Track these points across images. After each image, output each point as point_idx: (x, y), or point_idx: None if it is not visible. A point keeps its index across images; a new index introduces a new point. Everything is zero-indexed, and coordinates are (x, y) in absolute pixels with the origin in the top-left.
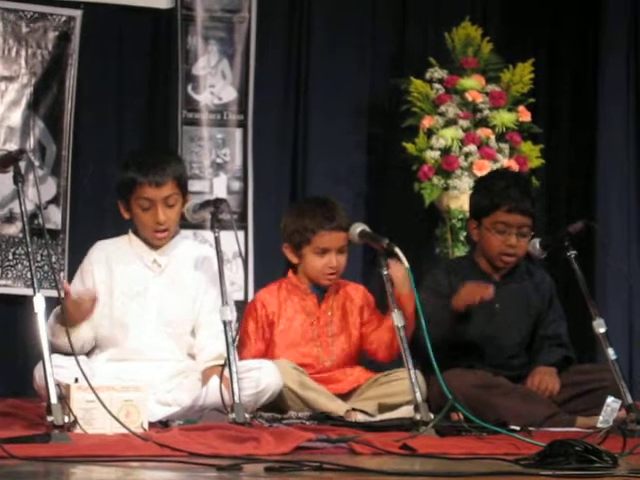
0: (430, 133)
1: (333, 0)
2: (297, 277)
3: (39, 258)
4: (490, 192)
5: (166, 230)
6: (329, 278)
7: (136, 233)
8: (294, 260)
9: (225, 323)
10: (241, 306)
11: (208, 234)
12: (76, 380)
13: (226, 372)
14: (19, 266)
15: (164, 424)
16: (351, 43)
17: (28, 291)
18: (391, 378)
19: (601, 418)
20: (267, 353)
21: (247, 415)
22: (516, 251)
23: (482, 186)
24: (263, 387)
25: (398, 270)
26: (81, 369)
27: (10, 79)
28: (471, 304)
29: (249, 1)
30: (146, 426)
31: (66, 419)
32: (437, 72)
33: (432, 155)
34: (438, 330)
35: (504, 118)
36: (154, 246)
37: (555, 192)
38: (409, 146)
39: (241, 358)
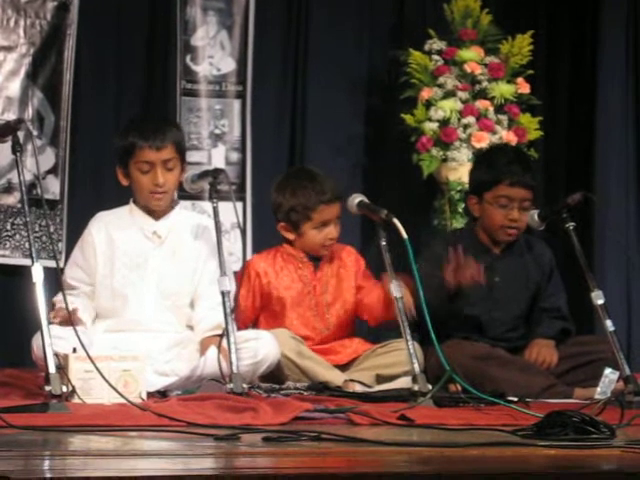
0: (429, 105)
1: None
2: (293, 247)
3: (37, 228)
4: (492, 167)
5: (164, 193)
6: (327, 248)
7: (136, 203)
8: (290, 237)
9: (223, 293)
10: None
11: (206, 205)
12: (74, 350)
13: (224, 342)
14: (17, 236)
15: (162, 394)
16: (350, 14)
17: (26, 261)
18: (389, 349)
19: (599, 389)
20: (264, 323)
21: (245, 385)
22: (518, 225)
23: (483, 161)
24: (261, 357)
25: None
26: (79, 339)
27: (9, 49)
28: (462, 282)
29: None
30: (144, 396)
31: (64, 389)
32: (436, 44)
33: (431, 126)
34: (435, 301)
35: (503, 90)
36: (154, 216)
37: (553, 164)
38: (407, 117)
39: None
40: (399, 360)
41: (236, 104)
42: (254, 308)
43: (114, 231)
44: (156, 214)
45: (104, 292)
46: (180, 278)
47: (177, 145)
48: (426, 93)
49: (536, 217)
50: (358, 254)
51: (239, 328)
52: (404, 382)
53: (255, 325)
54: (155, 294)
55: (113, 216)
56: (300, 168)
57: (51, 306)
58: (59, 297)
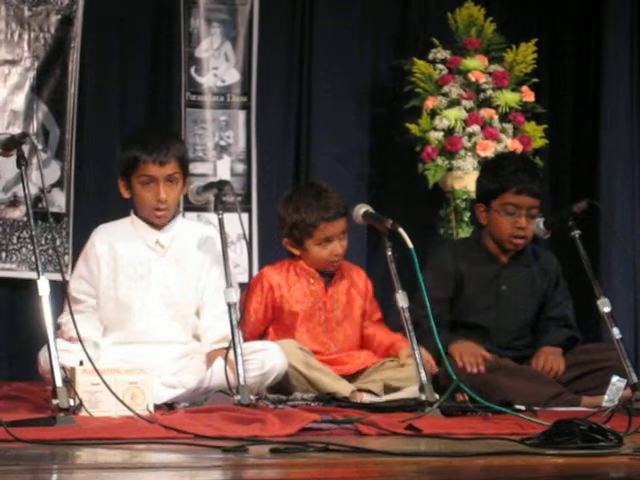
0: (433, 114)
1: None
2: (304, 261)
3: (43, 242)
4: (499, 175)
5: (166, 209)
6: (334, 264)
7: (137, 214)
8: (296, 252)
9: (229, 305)
10: (245, 289)
11: (212, 216)
12: (81, 363)
13: (231, 354)
14: (23, 250)
15: (169, 406)
16: (354, 24)
17: (32, 275)
18: (397, 363)
19: (606, 397)
20: (273, 335)
21: (252, 397)
22: (526, 233)
23: (490, 170)
24: (268, 369)
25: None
26: (86, 352)
27: (13, 63)
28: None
29: None
30: (151, 408)
31: (71, 402)
32: (440, 53)
33: (435, 136)
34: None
35: (507, 98)
36: (156, 226)
37: (559, 172)
38: (412, 127)
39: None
40: (407, 374)
41: (241, 115)
42: (265, 320)
43: (117, 242)
44: (158, 225)
45: (108, 303)
46: (184, 287)
47: (180, 160)
48: (431, 102)
49: (542, 225)
50: (367, 277)
51: (247, 339)
52: (411, 392)
53: (264, 337)
54: (160, 303)
55: (115, 227)
56: (309, 182)
57: (57, 326)
58: (64, 318)
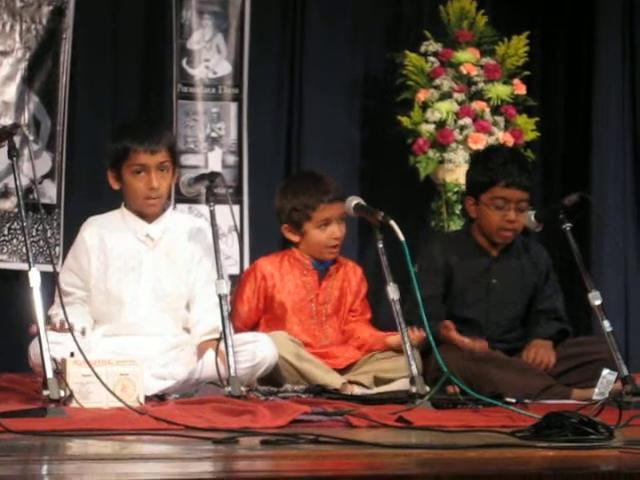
0: (425, 106)
1: None
2: (300, 252)
3: (34, 233)
4: (487, 168)
5: (158, 198)
6: (333, 251)
7: (128, 206)
8: (295, 239)
9: (220, 297)
10: (236, 280)
11: (203, 208)
12: (72, 354)
13: (222, 345)
14: (14, 241)
15: (160, 398)
16: (346, 17)
17: (23, 266)
18: (387, 355)
19: (597, 390)
20: (264, 326)
21: (243, 388)
22: (515, 226)
23: (479, 163)
24: (259, 360)
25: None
26: (77, 343)
27: (4, 54)
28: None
29: None
30: (142, 400)
31: (62, 393)
32: (432, 45)
33: (427, 128)
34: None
35: (499, 91)
36: (147, 218)
37: (550, 165)
38: (404, 120)
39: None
40: (398, 366)
41: (232, 107)
42: (257, 310)
43: (107, 235)
44: (149, 217)
45: (99, 296)
46: (175, 280)
47: (171, 148)
48: (422, 95)
49: (533, 218)
50: (364, 277)
51: (238, 330)
52: (402, 384)
53: (255, 328)
54: (150, 296)
55: (105, 220)
56: (305, 171)
57: (47, 319)
58: (54, 310)
